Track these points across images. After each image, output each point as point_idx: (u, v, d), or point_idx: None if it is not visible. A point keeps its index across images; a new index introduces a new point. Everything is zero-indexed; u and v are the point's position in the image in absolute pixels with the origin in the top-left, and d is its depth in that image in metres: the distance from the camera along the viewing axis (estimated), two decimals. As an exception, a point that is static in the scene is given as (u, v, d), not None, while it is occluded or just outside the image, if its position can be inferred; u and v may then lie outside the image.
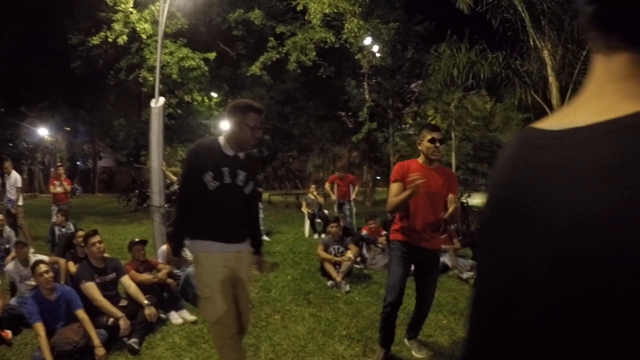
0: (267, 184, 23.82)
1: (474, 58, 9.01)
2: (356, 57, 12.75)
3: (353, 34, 11.31)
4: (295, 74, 13.04)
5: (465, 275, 5.72)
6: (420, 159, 3.10)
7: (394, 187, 3.00)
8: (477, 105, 13.58)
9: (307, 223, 9.42)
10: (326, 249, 5.68)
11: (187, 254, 4.26)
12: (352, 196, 9.26)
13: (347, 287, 5.04)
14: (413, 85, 15.83)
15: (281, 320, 4.12)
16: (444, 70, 9.43)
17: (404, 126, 17.47)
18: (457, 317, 4.20)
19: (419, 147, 3.08)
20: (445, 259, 6.12)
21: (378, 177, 22.05)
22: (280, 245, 8.15)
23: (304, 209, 9.61)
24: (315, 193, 9.74)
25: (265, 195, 10.70)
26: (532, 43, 8.40)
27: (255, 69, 12.36)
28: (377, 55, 12.99)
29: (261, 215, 8.78)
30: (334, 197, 9.36)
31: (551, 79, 8.29)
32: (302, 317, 4.16)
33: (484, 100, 13.59)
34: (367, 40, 12.38)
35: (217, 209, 2.46)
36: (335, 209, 9.48)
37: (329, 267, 5.38)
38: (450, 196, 3.09)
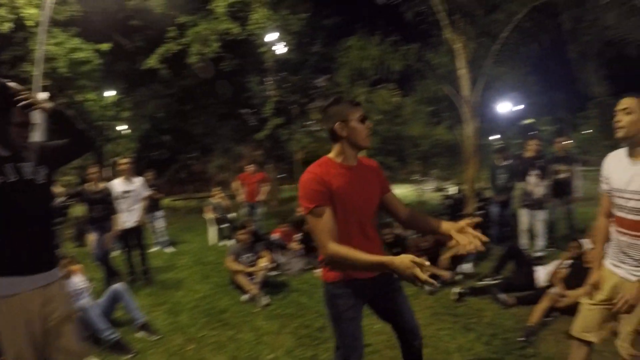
0: (168, 188, 22.22)
1: (387, 49, 9.11)
2: (261, 50, 12.32)
3: (259, 25, 10.85)
4: (196, 67, 12.16)
5: None
6: (337, 156, 2.04)
7: (323, 215, 1.89)
8: (386, 98, 13.98)
9: (213, 229, 8.85)
10: (237, 259, 5.25)
11: None
12: (262, 197, 8.94)
13: (266, 300, 4.68)
14: (319, 80, 15.82)
15: (197, 350, 3.61)
16: (354, 64, 9.45)
17: (308, 122, 17.45)
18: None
19: (341, 133, 2.00)
20: None
21: (284, 175, 21.88)
22: (186, 257, 7.49)
23: (208, 214, 9.01)
24: (219, 196, 9.18)
25: (166, 201, 9.88)
26: (445, 36, 8.64)
27: (153, 61, 11.25)
28: (283, 48, 12.68)
29: (162, 224, 8.04)
30: (242, 197, 8.91)
31: (463, 72, 8.59)
32: (221, 344, 3.70)
33: (392, 94, 14.02)
34: (273, 35, 11.99)
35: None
36: (244, 211, 9.06)
37: (242, 279, 4.97)
38: (391, 198, 2.23)
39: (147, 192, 6.09)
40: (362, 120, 2.01)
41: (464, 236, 1.89)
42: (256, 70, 15.16)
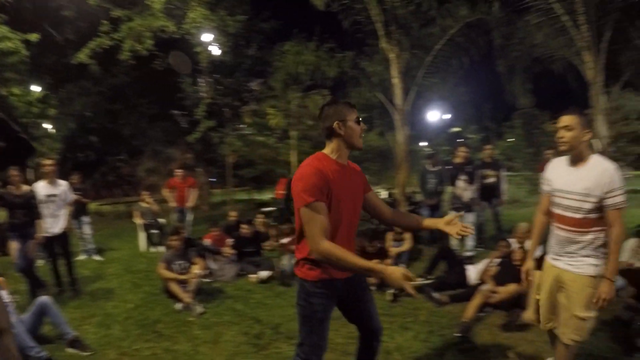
0: (95, 192, 20.63)
1: (322, 56, 9.18)
2: (196, 51, 11.91)
3: (196, 24, 10.46)
4: (128, 65, 11.44)
5: None
6: (332, 152, 2.05)
7: (319, 210, 1.87)
8: (319, 104, 14.07)
9: (142, 235, 8.34)
10: (169, 266, 4.96)
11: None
12: (192, 202, 8.62)
13: (200, 309, 4.44)
14: (252, 83, 15.62)
15: (130, 364, 3.33)
16: (289, 68, 9.43)
17: (241, 126, 17.15)
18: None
19: (339, 132, 2.02)
20: (285, 261, 6.02)
21: (214, 179, 21.24)
22: (115, 265, 6.97)
23: (137, 220, 8.49)
24: (148, 200, 8.69)
25: (93, 206, 9.18)
26: (381, 46, 8.85)
27: (83, 56, 10.41)
28: (218, 50, 12.35)
29: (89, 231, 7.46)
30: (173, 203, 8.58)
31: (396, 81, 8.85)
32: (156, 357, 3.45)
33: (325, 100, 14.15)
34: (209, 35, 11.62)
35: None
36: (174, 217, 8.69)
37: (175, 288, 4.70)
38: (374, 196, 2.30)
39: (72, 196, 5.57)
40: (358, 121, 2.06)
41: (452, 227, 2.15)
42: (191, 69, 14.68)
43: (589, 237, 2.38)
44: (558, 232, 2.50)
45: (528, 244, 5.07)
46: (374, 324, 2.29)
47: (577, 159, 2.41)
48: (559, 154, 2.54)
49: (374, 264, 1.88)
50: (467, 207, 6.62)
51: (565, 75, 7.84)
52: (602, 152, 6.76)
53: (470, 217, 6.56)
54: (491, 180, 7.07)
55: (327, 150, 2.08)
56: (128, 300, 4.98)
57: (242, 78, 15.24)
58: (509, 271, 4.60)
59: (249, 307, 4.60)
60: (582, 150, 2.38)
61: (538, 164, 7.80)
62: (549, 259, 2.62)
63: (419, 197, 7.63)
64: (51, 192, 5.20)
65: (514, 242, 5.04)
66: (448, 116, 21.93)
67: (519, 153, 14.25)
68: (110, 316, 4.44)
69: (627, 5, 6.88)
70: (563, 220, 2.46)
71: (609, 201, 2.28)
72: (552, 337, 2.72)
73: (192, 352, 3.53)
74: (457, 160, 6.92)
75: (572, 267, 2.44)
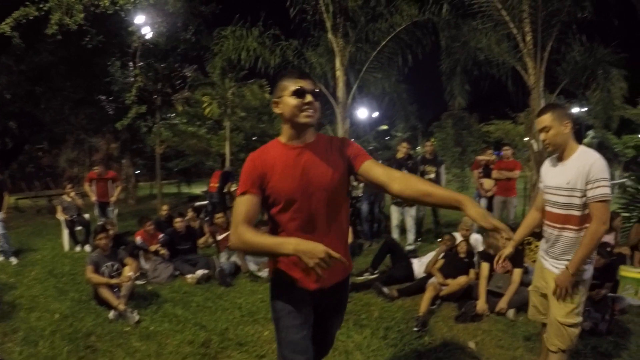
0: (13, 184, 18.36)
1: (266, 43, 8.86)
2: (130, 30, 10.95)
3: (132, 0, 9.57)
4: (55, 42, 10.22)
5: (264, 273, 5.40)
6: (284, 136, 1.81)
7: (243, 201, 1.69)
8: (256, 94, 13.62)
9: (66, 232, 7.54)
10: (97, 269, 4.44)
11: None
12: (114, 196, 8.01)
13: (136, 316, 4.04)
14: (186, 69, 14.76)
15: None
16: (228, 54, 8.99)
17: (170, 115, 16.24)
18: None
19: (278, 111, 1.78)
20: (234, 258, 5.77)
21: (139, 172, 19.99)
22: (36, 268, 6.18)
23: (60, 215, 7.66)
24: (72, 194, 7.89)
25: (10, 200, 8.13)
26: (327, 37, 8.72)
27: (5, 27, 9.10)
28: (154, 30, 11.46)
29: (3, 230, 6.62)
30: (93, 198, 7.92)
31: (339, 73, 8.76)
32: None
33: (263, 90, 13.72)
34: (145, 14, 10.71)
35: None
36: (96, 212, 8.01)
37: (107, 293, 4.24)
38: (368, 168, 1.78)
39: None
40: (297, 93, 1.71)
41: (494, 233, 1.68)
42: (120, 52, 13.53)
43: (577, 235, 2.30)
44: (547, 229, 2.47)
45: (473, 238, 5.31)
46: (328, 343, 2.14)
47: (563, 153, 2.36)
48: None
49: (285, 239, 1.59)
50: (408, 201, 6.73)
51: (500, 80, 8.29)
52: (540, 152, 7.25)
53: (411, 211, 6.69)
54: (431, 175, 7.27)
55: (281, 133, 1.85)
56: (54, 310, 4.39)
57: (176, 63, 14.34)
58: (454, 264, 4.74)
59: (190, 312, 4.27)
60: (566, 143, 2.33)
61: (473, 164, 8.18)
62: (539, 257, 2.61)
63: (358, 192, 7.65)
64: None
65: (458, 236, 5.20)
66: (378, 114, 22.59)
67: (448, 152, 15.03)
68: (35, 330, 3.88)
69: (569, 20, 7.35)
70: (551, 216, 2.42)
71: (589, 193, 2.20)
72: (543, 343, 2.66)
73: (133, 367, 3.18)
74: (399, 155, 7.03)
75: (555, 269, 2.42)
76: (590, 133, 26.47)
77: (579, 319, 2.37)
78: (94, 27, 10.33)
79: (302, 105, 1.70)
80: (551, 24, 7.16)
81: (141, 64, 12.77)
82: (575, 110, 20.22)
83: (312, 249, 1.46)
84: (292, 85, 1.72)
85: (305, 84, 1.72)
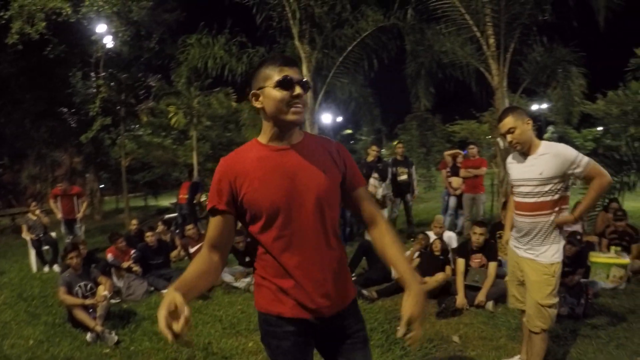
0: None
1: (233, 50, 8.81)
2: (93, 39, 10.62)
3: (96, 8, 9.29)
4: (15, 52, 9.82)
5: (240, 284, 5.34)
6: (264, 136, 1.48)
7: (211, 223, 1.45)
8: (223, 102, 13.50)
9: (33, 253, 7.24)
10: (70, 290, 4.27)
11: None
12: (81, 213, 7.80)
13: (115, 337, 3.90)
14: (150, 79, 14.46)
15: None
16: (194, 62, 8.89)
17: (134, 126, 15.86)
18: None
19: (258, 106, 1.46)
20: None
21: (103, 186, 19.33)
22: (5, 292, 5.91)
23: (26, 235, 7.35)
24: (37, 212, 7.59)
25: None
26: (294, 43, 8.75)
27: None
28: (116, 40, 11.14)
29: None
30: (59, 215, 7.67)
31: (306, 79, 8.81)
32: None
33: (229, 98, 13.62)
34: (108, 22, 10.39)
35: None
36: (63, 230, 7.75)
37: (82, 315, 4.07)
38: (360, 196, 1.56)
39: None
40: (283, 84, 1.38)
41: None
42: (82, 62, 13.13)
43: (549, 219, 2.49)
44: (519, 219, 2.63)
45: (446, 235, 5.45)
46: None
47: (529, 149, 2.54)
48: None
49: (171, 288, 1.26)
50: (380, 203, 6.87)
51: (464, 81, 8.58)
52: (506, 149, 7.52)
53: (384, 213, 6.80)
54: (404, 177, 7.42)
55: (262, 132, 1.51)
56: (27, 336, 4.20)
57: (140, 72, 14.03)
58: (430, 262, 4.87)
59: (170, 328, 4.18)
60: (531, 139, 2.52)
61: (439, 164, 8.42)
62: (512, 245, 2.79)
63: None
64: None
65: (431, 234, 5.32)
66: (342, 118, 22.90)
67: (413, 153, 15.41)
68: (10, 359, 3.71)
69: (530, 23, 7.69)
70: (523, 206, 2.59)
71: (578, 169, 2.41)
72: (525, 330, 2.83)
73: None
74: (369, 158, 7.15)
75: (530, 255, 2.59)
76: (550, 128, 27.70)
77: (556, 300, 2.56)
78: (55, 36, 10.02)
79: (289, 99, 1.38)
80: (513, 27, 7.47)
81: (104, 74, 12.43)
82: (536, 107, 21.12)
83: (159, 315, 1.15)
84: (276, 74, 1.39)
85: (291, 73, 1.40)
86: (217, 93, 13.52)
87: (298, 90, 1.39)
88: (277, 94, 1.38)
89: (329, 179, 1.46)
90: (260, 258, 1.48)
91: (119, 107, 12.66)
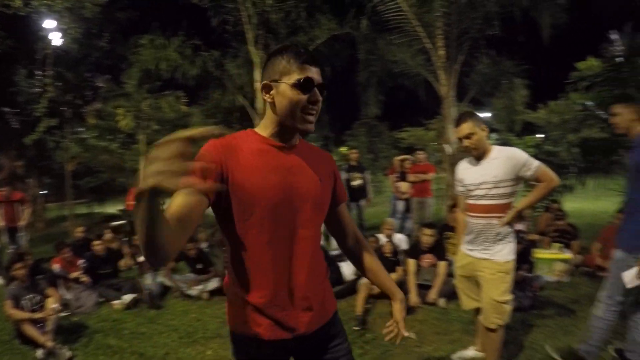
0: None
1: (186, 53, 8.67)
2: (40, 35, 10.03)
3: (47, 2, 8.79)
4: None
5: (193, 291, 5.24)
6: (263, 128, 1.35)
7: (177, 196, 1.11)
8: (173, 105, 13.12)
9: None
10: (17, 304, 4.04)
11: None
12: (23, 220, 7.39)
13: (67, 352, 3.74)
14: (99, 79, 13.87)
15: None
16: (146, 64, 8.68)
17: (80, 129, 15.12)
18: (219, 343, 3.79)
19: (268, 100, 1.30)
20: (161, 278, 5.54)
21: (45, 192, 18.24)
22: None
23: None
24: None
25: None
26: (248, 48, 8.73)
27: None
28: (65, 37, 10.60)
29: None
30: (2, 223, 7.23)
31: (258, 85, 8.86)
32: None
33: (180, 101, 13.28)
34: (58, 18, 9.84)
35: None
36: (5, 239, 7.32)
37: (31, 330, 3.86)
38: (343, 213, 1.56)
39: None
40: (304, 86, 1.23)
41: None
42: (27, 59, 12.37)
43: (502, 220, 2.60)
44: (473, 221, 2.72)
45: (396, 238, 5.66)
46: None
47: (482, 154, 2.66)
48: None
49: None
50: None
51: (413, 90, 8.97)
52: (453, 155, 7.90)
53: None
54: (358, 182, 7.61)
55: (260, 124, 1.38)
56: (-29, 355, 3.96)
57: (88, 72, 13.42)
58: (381, 263, 5.01)
59: (124, 340, 4.05)
60: (486, 145, 2.65)
61: (389, 170, 8.70)
62: (464, 249, 2.89)
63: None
64: None
65: (381, 237, 5.51)
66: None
67: (361, 159, 15.84)
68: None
69: (479, 37, 8.16)
70: (477, 208, 2.69)
71: (529, 172, 2.52)
72: (479, 324, 2.90)
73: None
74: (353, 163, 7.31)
75: (486, 255, 2.70)
76: (493, 135, 29.22)
77: (512, 296, 2.67)
78: (2, 30, 9.41)
79: (305, 104, 1.25)
80: (463, 40, 7.92)
81: (51, 72, 11.77)
82: (481, 116, 22.26)
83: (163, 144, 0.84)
84: (296, 71, 1.24)
85: (314, 74, 1.26)
86: (167, 96, 13.18)
87: (317, 95, 1.26)
88: (294, 95, 1.23)
89: (325, 186, 1.41)
90: (235, 261, 1.32)
91: (65, 108, 12.05)
